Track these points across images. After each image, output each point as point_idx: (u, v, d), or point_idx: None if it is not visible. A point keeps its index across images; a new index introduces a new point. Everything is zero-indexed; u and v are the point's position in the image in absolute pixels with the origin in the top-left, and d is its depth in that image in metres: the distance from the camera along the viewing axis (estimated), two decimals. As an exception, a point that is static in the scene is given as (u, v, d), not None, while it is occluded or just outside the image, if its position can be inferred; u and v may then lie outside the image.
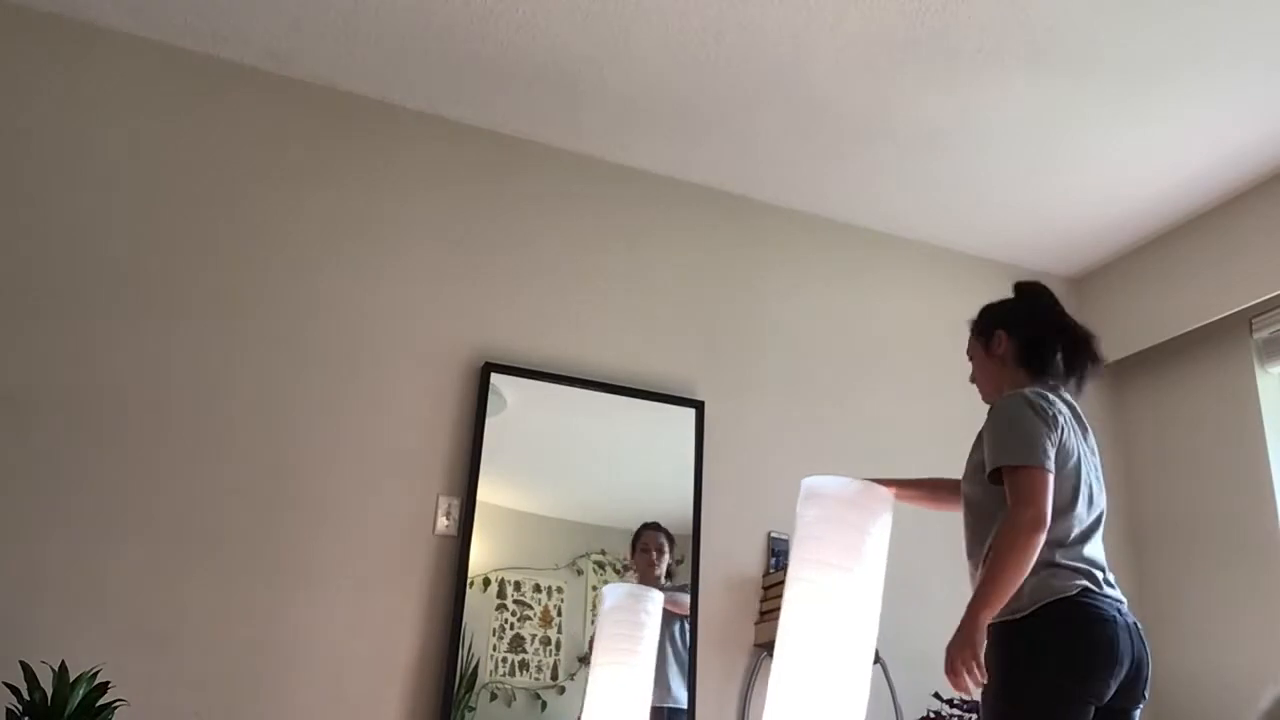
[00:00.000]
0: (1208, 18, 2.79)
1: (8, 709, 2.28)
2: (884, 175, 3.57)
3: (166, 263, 2.95)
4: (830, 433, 3.56)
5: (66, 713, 2.24)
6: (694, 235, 3.61)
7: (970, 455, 2.22)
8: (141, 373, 2.84)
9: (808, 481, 2.29)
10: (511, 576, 3.00)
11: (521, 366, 3.21)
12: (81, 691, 2.28)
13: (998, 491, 2.07)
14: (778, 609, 3.11)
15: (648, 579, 3.11)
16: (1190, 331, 3.68)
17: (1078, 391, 2.26)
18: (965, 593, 3.57)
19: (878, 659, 3.09)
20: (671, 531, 3.20)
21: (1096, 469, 2.19)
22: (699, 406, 3.37)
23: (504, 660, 2.91)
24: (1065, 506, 2.07)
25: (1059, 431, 2.09)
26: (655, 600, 2.79)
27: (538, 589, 3.02)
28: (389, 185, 3.26)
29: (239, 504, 2.82)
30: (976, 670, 1.93)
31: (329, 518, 2.89)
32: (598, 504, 3.16)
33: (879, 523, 2.22)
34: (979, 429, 2.23)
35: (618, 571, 3.11)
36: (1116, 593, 2.09)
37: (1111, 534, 3.20)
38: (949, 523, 3.62)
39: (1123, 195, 3.61)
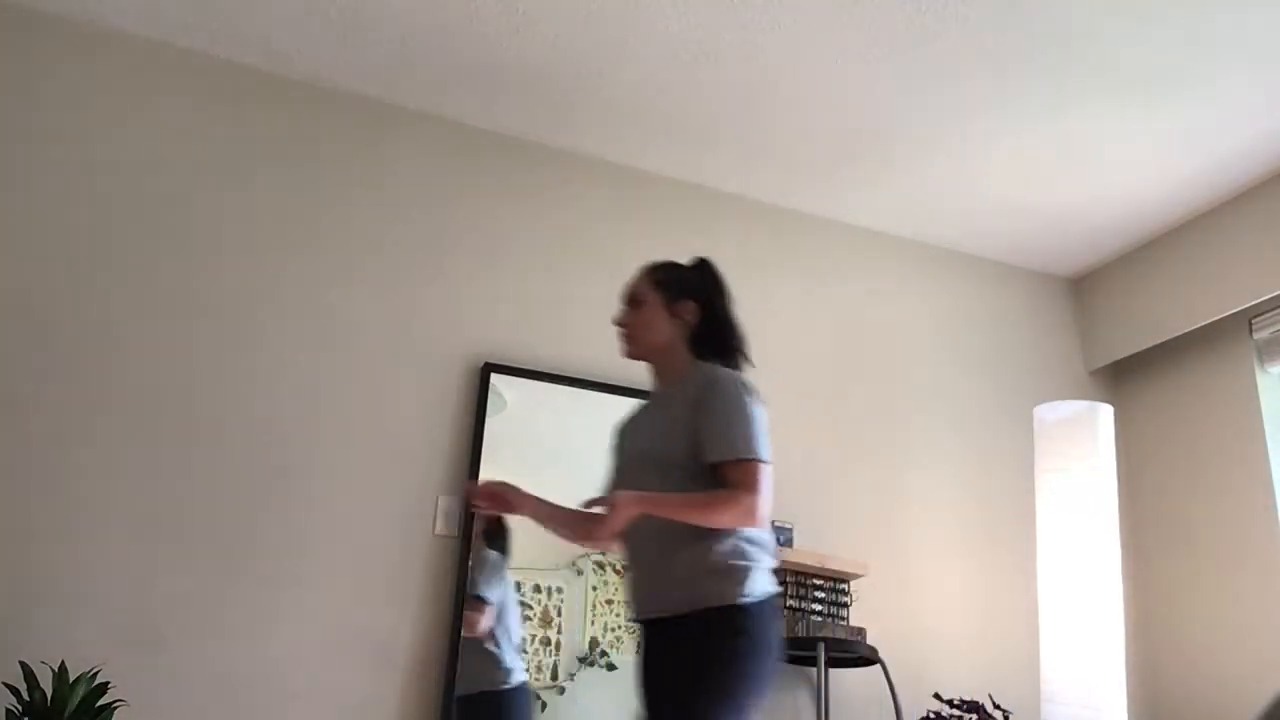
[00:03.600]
0: (1207, 19, 2.79)
1: (8, 709, 2.28)
2: (884, 175, 3.57)
3: (165, 263, 2.95)
4: (830, 432, 3.55)
5: (66, 713, 2.24)
6: (694, 235, 3.61)
7: (668, 414, 2.17)
8: (142, 373, 2.84)
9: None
10: (511, 576, 3.00)
11: (521, 366, 3.21)
12: (81, 691, 2.28)
13: (701, 468, 2.07)
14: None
15: None
16: (1190, 331, 3.68)
17: None
18: (964, 591, 3.58)
19: (878, 659, 3.09)
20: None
21: None
22: (699, 406, 3.37)
23: (504, 660, 2.91)
24: None
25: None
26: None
27: (538, 589, 3.02)
28: (388, 185, 3.26)
29: (239, 504, 2.82)
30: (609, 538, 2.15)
31: (329, 518, 2.89)
32: (598, 504, 3.15)
33: None
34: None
35: (618, 572, 3.11)
36: None
37: (1112, 534, 3.21)
38: (947, 524, 3.63)
39: (1123, 195, 3.61)
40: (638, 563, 2.13)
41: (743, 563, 2.02)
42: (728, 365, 2.23)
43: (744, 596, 1.99)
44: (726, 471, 2.04)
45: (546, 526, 2.34)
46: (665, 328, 2.29)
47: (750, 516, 2.02)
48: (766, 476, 2.04)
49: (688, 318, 2.29)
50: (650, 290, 2.32)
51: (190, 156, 3.07)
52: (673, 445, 2.11)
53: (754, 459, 2.04)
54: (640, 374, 3.39)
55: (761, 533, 2.08)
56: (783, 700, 3.19)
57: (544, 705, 2.91)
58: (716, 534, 2.03)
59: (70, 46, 3.02)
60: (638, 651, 2.14)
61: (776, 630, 2.03)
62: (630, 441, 2.27)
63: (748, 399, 2.11)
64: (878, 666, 3.15)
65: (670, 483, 2.07)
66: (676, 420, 2.13)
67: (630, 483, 2.15)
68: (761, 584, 2.03)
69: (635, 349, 2.31)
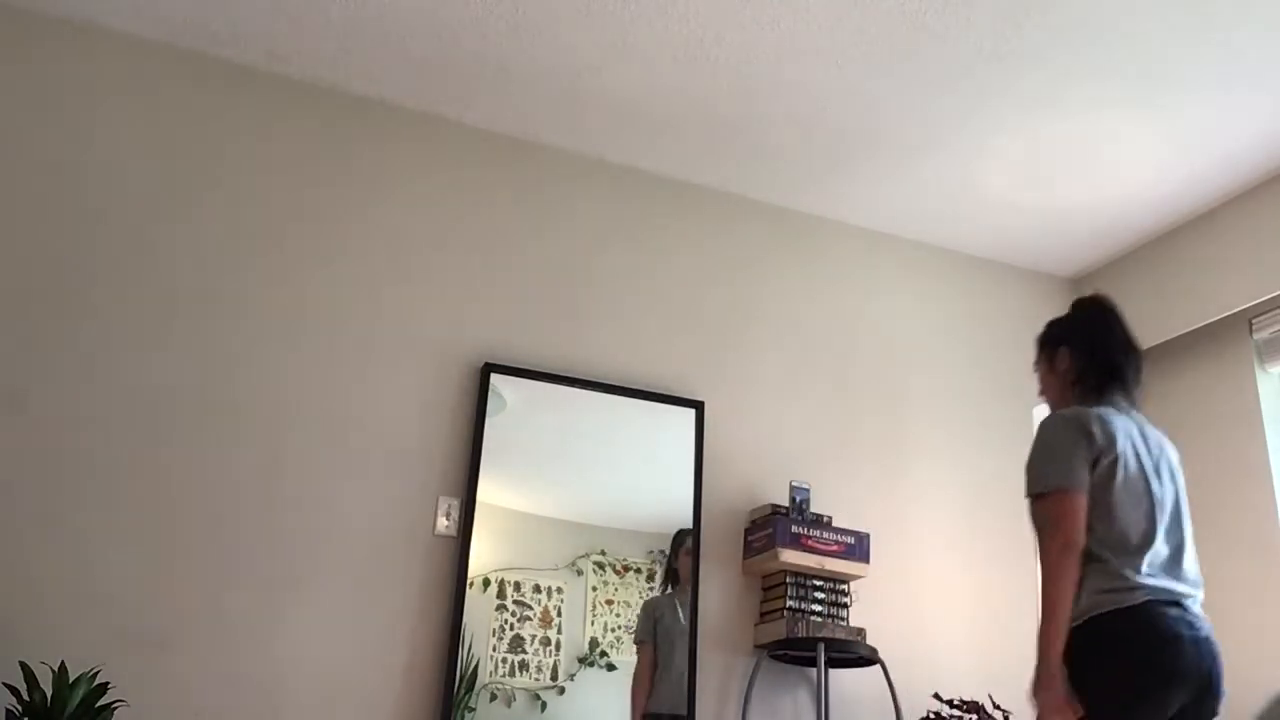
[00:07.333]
0: (1207, 18, 2.79)
1: (7, 710, 2.28)
2: (884, 175, 3.57)
3: (165, 263, 2.95)
4: (830, 433, 3.55)
5: (66, 713, 2.24)
6: (694, 235, 3.61)
7: None
8: (142, 373, 2.84)
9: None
10: (511, 577, 3.00)
11: (521, 366, 3.21)
12: (81, 692, 2.28)
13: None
14: (778, 610, 3.11)
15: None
16: (1190, 331, 3.67)
17: (1134, 406, 2.32)
18: (964, 591, 3.58)
19: (878, 659, 3.09)
20: (671, 532, 3.20)
21: (1165, 481, 2.23)
22: (699, 406, 3.37)
23: (504, 661, 2.91)
24: (1118, 519, 2.14)
25: (1095, 448, 2.16)
26: None
27: (537, 589, 3.02)
28: (388, 185, 3.26)
29: (239, 504, 2.82)
30: (1068, 710, 2.01)
31: (329, 518, 2.89)
32: (598, 504, 3.16)
33: None
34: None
35: (618, 572, 3.11)
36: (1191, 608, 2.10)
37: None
38: (947, 524, 3.63)
39: (1123, 195, 3.61)
40: None
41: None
42: (1102, 401, 2.28)
43: (1075, 620, 2.06)
44: (1031, 507, 2.18)
45: None
46: (1053, 382, 2.41)
47: (1051, 556, 2.08)
48: (1057, 504, 2.11)
49: (1063, 367, 2.38)
50: (1038, 351, 2.48)
51: (190, 157, 3.07)
52: None
53: (1041, 493, 2.15)
54: (639, 374, 3.40)
55: (1096, 545, 2.10)
56: (783, 700, 3.19)
57: (544, 705, 2.91)
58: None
59: (70, 47, 3.02)
60: None
61: (1118, 647, 2.02)
62: None
63: (1051, 433, 2.21)
64: (878, 666, 3.15)
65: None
66: None
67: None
68: (1086, 604, 2.07)
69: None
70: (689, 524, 3.22)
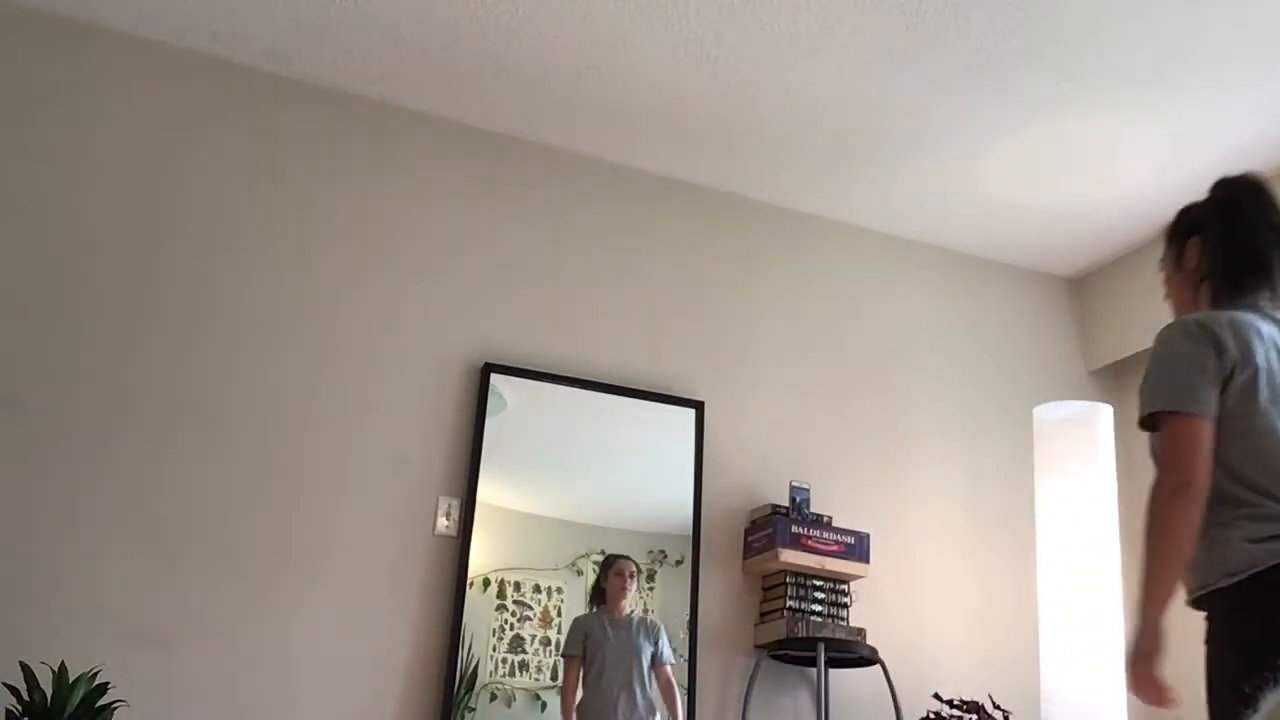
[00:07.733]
0: (1207, 18, 2.79)
1: (7, 710, 2.28)
2: (883, 175, 3.57)
3: (166, 263, 2.95)
4: (830, 433, 3.55)
5: (66, 713, 2.24)
6: (694, 235, 3.61)
7: None
8: (141, 373, 2.84)
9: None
10: (511, 577, 3.00)
11: (521, 366, 3.21)
12: (81, 692, 2.28)
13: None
14: (778, 610, 3.11)
15: (618, 602, 3.09)
16: (1190, 331, 3.67)
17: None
18: (964, 591, 3.58)
19: (878, 659, 3.09)
20: (672, 532, 3.20)
21: None
22: (699, 406, 3.37)
23: (504, 661, 2.91)
24: (1270, 449, 1.74)
25: (1226, 362, 1.75)
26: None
27: (537, 589, 3.02)
28: (388, 185, 3.26)
29: (239, 504, 2.82)
30: (1154, 686, 1.74)
31: (329, 518, 2.89)
32: (598, 504, 3.16)
33: None
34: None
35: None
36: None
37: (1111, 534, 3.20)
38: (947, 524, 3.63)
39: (1123, 195, 3.61)
40: None
41: (1216, 532, 1.69)
42: (1240, 303, 1.85)
43: (1220, 581, 1.72)
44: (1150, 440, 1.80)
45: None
46: (1179, 283, 1.97)
47: (1157, 499, 1.72)
48: (1168, 433, 1.73)
49: (1192, 264, 1.94)
50: (1165, 246, 2.01)
51: (189, 157, 3.07)
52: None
53: (1155, 412, 1.76)
54: (639, 374, 3.40)
55: (1236, 485, 1.72)
56: (783, 700, 3.19)
57: (544, 705, 2.91)
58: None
59: (69, 47, 3.02)
60: None
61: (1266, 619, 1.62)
62: None
63: (1168, 344, 1.81)
64: (878, 666, 3.15)
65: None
66: None
67: None
68: (1240, 557, 1.68)
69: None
70: (689, 524, 3.21)
